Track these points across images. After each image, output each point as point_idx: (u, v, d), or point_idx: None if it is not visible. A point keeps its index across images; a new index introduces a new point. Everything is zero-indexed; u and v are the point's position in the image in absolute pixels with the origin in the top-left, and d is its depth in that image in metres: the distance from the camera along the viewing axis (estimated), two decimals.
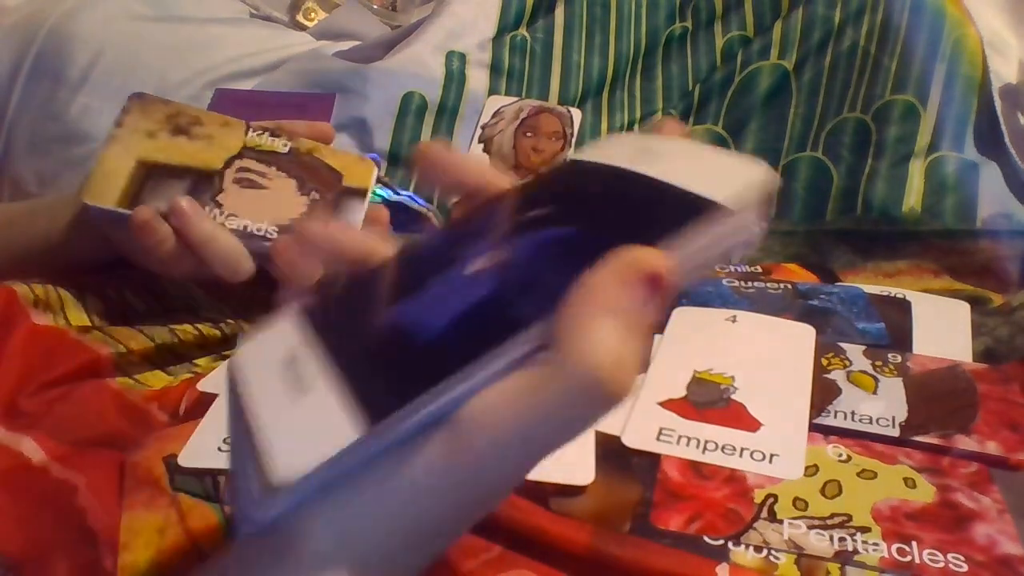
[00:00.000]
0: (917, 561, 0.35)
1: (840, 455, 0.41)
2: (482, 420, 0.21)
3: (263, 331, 0.26)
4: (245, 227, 0.53)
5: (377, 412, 0.21)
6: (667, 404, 0.44)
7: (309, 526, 0.21)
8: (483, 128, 0.80)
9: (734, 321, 0.51)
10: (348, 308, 0.26)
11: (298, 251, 0.28)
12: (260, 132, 0.58)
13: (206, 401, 0.46)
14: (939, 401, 0.44)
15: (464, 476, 0.22)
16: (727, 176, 0.25)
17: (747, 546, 0.36)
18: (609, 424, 0.43)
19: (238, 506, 0.22)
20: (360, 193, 0.57)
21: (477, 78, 0.82)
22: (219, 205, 0.53)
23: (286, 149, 0.58)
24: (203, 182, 0.54)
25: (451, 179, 0.29)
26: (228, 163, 0.56)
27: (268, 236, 0.53)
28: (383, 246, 0.28)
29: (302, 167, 0.57)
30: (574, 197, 0.27)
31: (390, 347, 0.24)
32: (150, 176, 0.53)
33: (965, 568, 0.35)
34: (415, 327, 0.23)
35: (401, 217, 0.70)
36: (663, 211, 0.24)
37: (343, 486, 0.21)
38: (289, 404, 0.23)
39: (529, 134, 0.79)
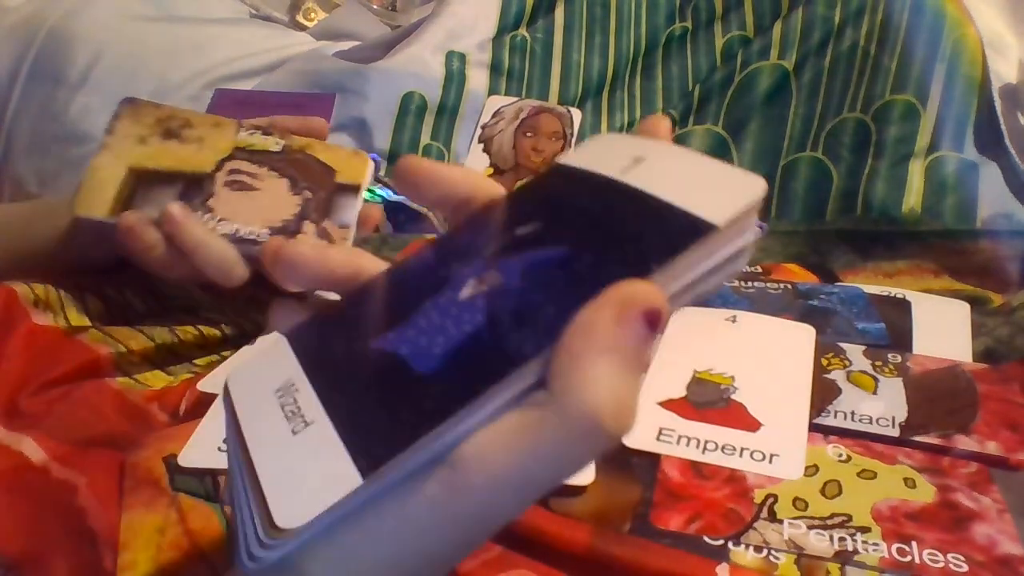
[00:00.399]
0: (917, 561, 0.35)
1: (840, 455, 0.41)
2: (480, 460, 0.21)
3: (258, 353, 0.26)
4: (236, 231, 0.52)
5: (378, 453, 0.21)
6: (667, 404, 0.44)
7: (312, 563, 0.22)
8: (483, 128, 0.80)
9: (734, 321, 0.51)
10: (342, 335, 0.26)
11: (282, 274, 0.27)
12: (252, 131, 0.57)
13: (206, 401, 0.46)
14: (939, 401, 0.44)
15: (463, 512, 0.22)
16: (724, 193, 0.23)
17: (747, 546, 0.36)
18: None
19: (239, 539, 0.22)
20: (353, 189, 0.56)
21: (477, 78, 0.82)
22: (210, 210, 0.53)
23: (278, 147, 0.57)
24: (194, 186, 0.53)
25: (436, 192, 0.28)
26: (219, 165, 0.55)
27: (260, 239, 0.52)
28: (370, 263, 0.27)
29: (295, 165, 0.56)
30: (566, 213, 0.26)
31: (387, 381, 0.23)
32: (141, 183, 0.53)
33: (965, 568, 0.35)
34: (411, 360, 0.23)
35: (400, 217, 0.71)
36: (661, 234, 0.23)
37: (345, 525, 0.22)
38: (288, 439, 0.23)
39: (529, 134, 0.79)
